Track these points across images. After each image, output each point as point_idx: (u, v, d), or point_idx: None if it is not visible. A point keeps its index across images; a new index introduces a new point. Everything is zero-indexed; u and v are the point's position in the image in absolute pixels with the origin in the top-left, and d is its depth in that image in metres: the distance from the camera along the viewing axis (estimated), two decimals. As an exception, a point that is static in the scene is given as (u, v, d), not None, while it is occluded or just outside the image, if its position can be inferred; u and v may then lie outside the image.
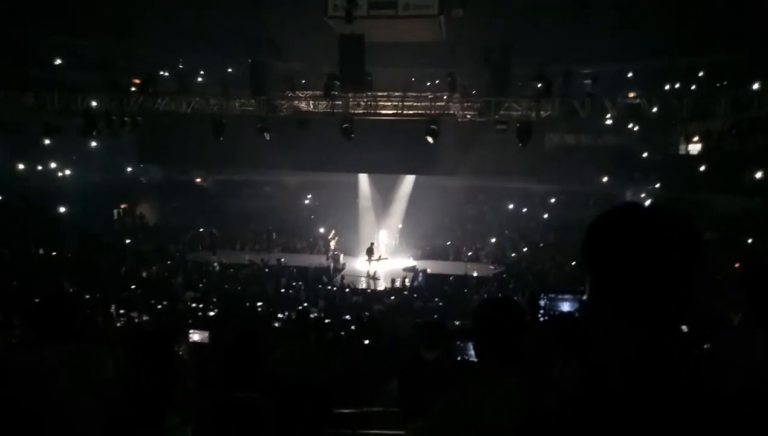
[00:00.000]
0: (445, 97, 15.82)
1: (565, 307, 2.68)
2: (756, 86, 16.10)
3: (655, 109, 14.78)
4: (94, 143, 21.53)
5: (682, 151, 20.61)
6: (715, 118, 15.39)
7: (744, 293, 2.21)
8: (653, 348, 1.01)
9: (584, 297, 1.14)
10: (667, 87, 19.22)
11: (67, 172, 23.38)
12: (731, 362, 1.99)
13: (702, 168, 19.43)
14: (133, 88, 17.16)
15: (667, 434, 0.95)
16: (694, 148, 18.87)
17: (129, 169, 25.14)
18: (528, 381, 1.80)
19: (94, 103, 16.67)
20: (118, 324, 8.51)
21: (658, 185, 21.71)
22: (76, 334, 2.83)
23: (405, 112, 16.01)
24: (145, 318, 9.84)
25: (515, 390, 1.81)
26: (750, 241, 17.53)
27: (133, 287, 15.90)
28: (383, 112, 16.10)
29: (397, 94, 16.17)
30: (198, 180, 28.00)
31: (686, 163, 20.17)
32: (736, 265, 13.97)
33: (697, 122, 17.24)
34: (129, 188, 25.53)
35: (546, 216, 25.39)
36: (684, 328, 1.07)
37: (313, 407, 2.86)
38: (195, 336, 5.51)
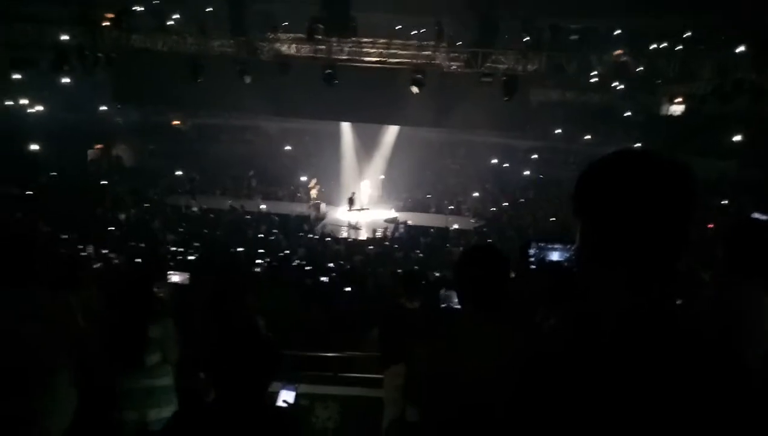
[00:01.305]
0: (431, 46, 15.49)
1: (555, 256, 2.71)
2: (740, 49, 16.09)
3: (640, 69, 14.73)
4: (66, 80, 20.69)
5: (664, 112, 20.67)
6: (698, 81, 15.42)
7: (725, 247, 2.26)
8: (645, 294, 1.01)
9: (574, 246, 1.14)
10: (653, 46, 19.09)
11: (39, 108, 22.53)
12: (718, 312, 2.06)
13: (682, 129, 19.59)
14: (106, 23, 16.39)
15: (659, 380, 0.95)
16: (677, 109, 18.92)
17: (104, 108, 24.33)
18: (513, 328, 1.83)
19: (65, 37, 15.92)
20: (96, 266, 8.44)
21: (639, 145, 21.88)
22: (42, 277, 2.72)
23: (390, 60, 15.65)
24: (123, 260, 9.77)
25: (498, 337, 1.84)
26: (724, 202, 17.95)
27: (111, 229, 15.70)
28: (367, 59, 15.71)
29: (382, 41, 15.75)
30: (176, 122, 27.28)
31: (668, 123, 20.28)
32: (710, 225, 14.35)
33: (681, 83, 17.26)
34: (104, 128, 24.80)
35: (527, 172, 25.54)
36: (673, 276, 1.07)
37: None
38: (175, 278, 5.49)
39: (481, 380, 1.68)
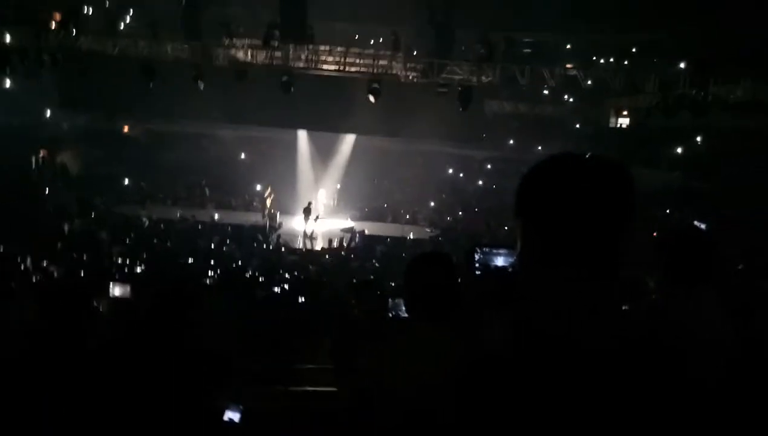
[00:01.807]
0: (388, 55, 15.59)
1: (500, 261, 2.72)
2: (683, 65, 16.90)
3: (589, 82, 15.25)
4: (9, 82, 19.80)
5: (611, 124, 21.50)
6: (643, 94, 16.09)
7: (663, 255, 2.31)
8: (585, 298, 1.00)
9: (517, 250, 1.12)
10: (602, 61, 19.83)
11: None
12: (664, 319, 2.09)
13: (629, 141, 20.38)
14: (53, 24, 15.77)
15: (598, 385, 0.94)
16: (623, 121, 19.69)
17: (49, 113, 23.35)
18: (459, 335, 1.80)
19: (8, 38, 15.22)
20: (34, 278, 8.02)
21: (573, 152, 22.61)
22: None
23: (347, 69, 15.67)
24: (63, 273, 9.32)
25: (444, 344, 1.81)
26: (667, 211, 18.71)
27: (52, 239, 14.99)
28: (325, 67, 15.68)
29: (339, 49, 15.75)
30: (126, 129, 26.45)
31: (615, 135, 21.07)
32: (654, 233, 14.91)
33: (627, 97, 17.98)
34: (49, 134, 23.76)
35: (481, 182, 25.97)
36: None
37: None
38: (116, 290, 5.24)
39: (425, 388, 1.65)
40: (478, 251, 2.75)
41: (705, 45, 15.87)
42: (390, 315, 3.50)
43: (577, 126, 23.70)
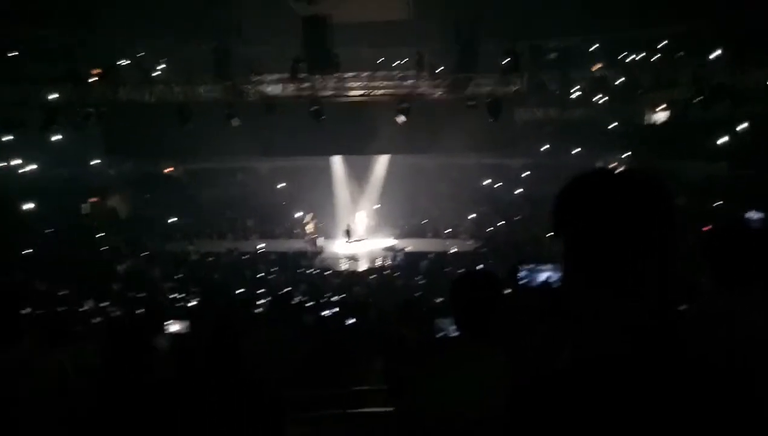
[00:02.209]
0: (413, 75, 15.74)
1: (543, 277, 2.71)
2: (716, 54, 16.39)
3: (620, 81, 14.98)
4: (58, 136, 20.87)
5: (647, 121, 20.94)
6: (678, 87, 15.66)
7: (710, 255, 2.21)
8: (632, 316, 1.01)
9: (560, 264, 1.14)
10: (630, 58, 19.45)
11: (32, 167, 22.62)
12: (708, 327, 1.98)
13: (667, 136, 19.80)
14: (93, 78, 16.64)
15: (652, 402, 0.95)
16: (660, 116, 19.17)
17: (96, 161, 24.46)
18: (506, 353, 1.83)
19: (54, 95, 16.12)
20: (95, 320, 8.37)
21: (625, 155, 22.07)
22: (35, 334, 2.72)
23: (374, 92, 15.90)
24: (122, 312, 9.69)
25: (493, 362, 1.84)
26: (716, 205, 18.02)
27: (109, 281, 15.62)
28: (352, 93, 15.95)
29: (365, 74, 16.02)
30: (168, 170, 27.43)
31: (652, 132, 20.51)
32: (705, 228, 14.39)
33: (662, 91, 17.52)
34: (98, 182, 24.89)
35: (520, 190, 25.65)
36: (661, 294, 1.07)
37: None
38: (174, 327, 5.45)
39: (478, 407, 1.69)
40: (523, 268, 2.75)
41: (739, 30, 15.36)
42: (440, 334, 3.52)
43: (612, 126, 23.20)
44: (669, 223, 1.03)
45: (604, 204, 1.03)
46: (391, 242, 21.38)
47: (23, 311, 2.58)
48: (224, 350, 2.89)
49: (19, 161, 22.10)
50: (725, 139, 18.16)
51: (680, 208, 1.09)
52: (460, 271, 13.69)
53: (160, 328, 5.33)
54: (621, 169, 1.10)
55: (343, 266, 19.44)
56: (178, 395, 2.86)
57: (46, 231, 20.86)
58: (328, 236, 22.23)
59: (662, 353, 0.99)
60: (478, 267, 14.88)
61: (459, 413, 1.79)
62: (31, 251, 18.68)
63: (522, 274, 2.77)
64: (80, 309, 10.16)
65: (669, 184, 1.07)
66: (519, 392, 1.09)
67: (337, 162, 24.43)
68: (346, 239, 20.71)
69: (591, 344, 1.04)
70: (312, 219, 21.94)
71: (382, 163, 24.44)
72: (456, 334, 2.09)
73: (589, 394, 0.98)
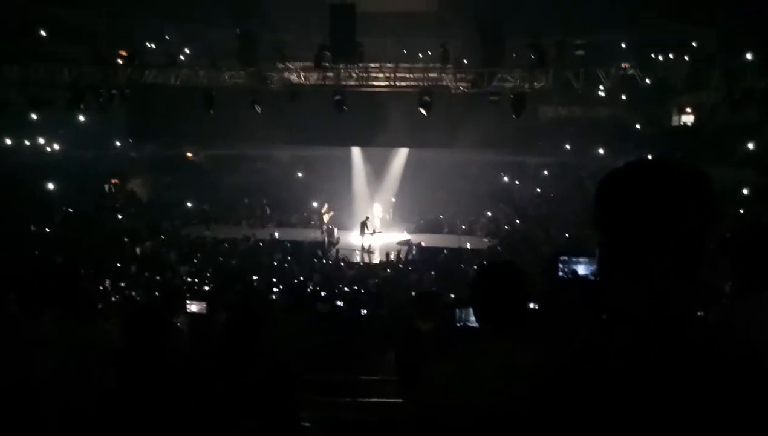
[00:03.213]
0: (438, 68, 15.64)
1: (581, 269, 2.67)
2: (749, 57, 16.03)
3: (648, 81, 14.73)
4: (81, 118, 21.20)
5: (675, 123, 20.59)
6: (707, 90, 15.35)
7: (733, 259, 2.20)
8: (666, 306, 1.00)
9: (597, 258, 1.12)
10: (660, 58, 19.13)
11: (56, 147, 23.04)
12: (731, 330, 1.98)
13: (694, 139, 19.47)
14: (120, 61, 16.84)
15: (680, 396, 0.94)
16: (687, 119, 18.82)
17: (118, 144, 24.82)
18: (532, 346, 1.80)
19: (81, 76, 16.36)
20: (114, 299, 8.51)
21: (650, 157, 21.74)
22: (69, 306, 2.78)
23: (397, 83, 15.84)
24: (140, 293, 9.84)
25: (514, 356, 1.81)
26: (741, 211, 17.68)
27: (126, 262, 15.86)
28: (375, 83, 15.91)
29: (389, 65, 15.96)
30: (189, 155, 27.72)
31: (679, 134, 20.17)
32: (727, 235, 14.13)
33: (690, 94, 17.19)
34: (119, 164, 25.25)
35: (539, 189, 25.43)
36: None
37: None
38: (192, 307, 5.51)
39: (499, 399, 1.66)
40: (561, 258, 2.72)
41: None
42: (458, 326, 3.50)
43: (637, 126, 22.85)
44: (711, 212, 1.00)
45: (646, 196, 1.01)
46: (406, 236, 21.36)
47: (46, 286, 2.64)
48: (243, 329, 2.91)
49: (42, 141, 22.57)
50: (751, 145, 17.83)
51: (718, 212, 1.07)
52: (473, 268, 13.58)
53: (181, 307, 5.39)
54: (664, 160, 1.06)
55: (358, 257, 19.48)
56: (198, 373, 2.88)
57: (68, 210, 21.21)
58: (344, 227, 22.28)
59: (687, 352, 0.97)
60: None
61: (476, 405, 1.77)
62: (50, 230, 19.05)
63: (561, 266, 2.73)
64: (99, 287, 10.34)
65: (710, 176, 1.03)
66: (551, 384, 1.08)
67: (356, 153, 24.44)
68: (362, 231, 20.73)
69: (621, 339, 1.02)
70: (329, 209, 22.00)
71: (400, 156, 24.39)
72: (475, 325, 2.06)
73: (613, 387, 0.97)
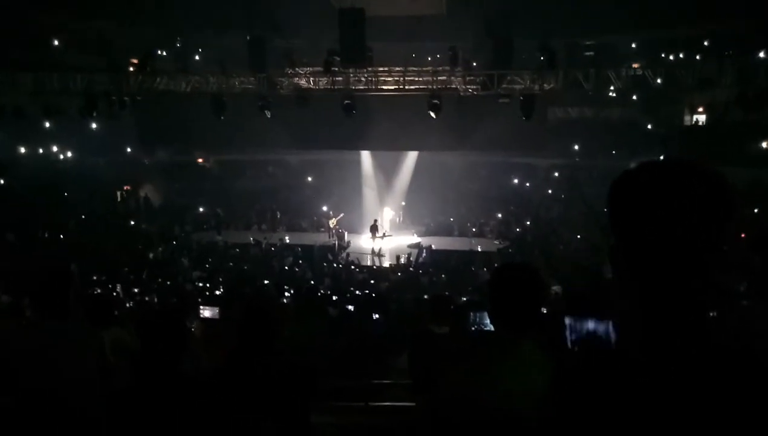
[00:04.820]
0: (446, 71, 15.64)
1: (590, 327, 2.58)
2: (762, 55, 15.87)
3: (659, 81, 14.60)
4: (94, 125, 21.45)
5: (687, 123, 20.41)
6: (719, 89, 15.20)
7: (759, 257, 2.18)
8: (678, 308, 0.99)
9: (610, 254, 1.11)
10: (671, 57, 18.98)
11: (69, 154, 23.32)
12: (756, 324, 1.97)
13: (707, 139, 19.28)
14: (131, 68, 17.01)
15: (690, 399, 0.94)
16: (700, 118, 18.65)
17: (130, 150, 25.07)
18: (547, 348, 1.79)
19: (93, 84, 16.54)
20: (128, 304, 8.57)
21: (662, 157, 21.55)
22: (80, 313, 2.82)
23: (406, 87, 15.84)
24: (153, 298, 9.90)
25: (532, 358, 1.80)
26: (756, 211, 17.48)
27: (139, 267, 15.98)
28: (384, 87, 15.93)
29: (398, 69, 15.97)
30: (200, 160, 27.93)
31: (691, 134, 19.99)
32: (743, 235, 13.97)
33: (702, 93, 17.03)
34: (131, 170, 25.50)
35: (550, 191, 25.31)
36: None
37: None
38: (205, 312, 5.55)
39: (515, 400, 1.65)
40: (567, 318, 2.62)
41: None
42: (473, 329, 3.48)
43: (649, 126, 22.68)
44: (728, 216, 0.98)
45: (660, 198, 0.99)
46: (416, 239, 21.34)
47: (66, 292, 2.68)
48: (258, 331, 2.92)
49: (56, 148, 22.86)
50: (765, 144, 17.62)
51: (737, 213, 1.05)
52: (484, 270, 13.49)
53: (195, 312, 5.42)
54: (678, 160, 1.04)
55: (369, 261, 19.48)
56: (213, 376, 2.90)
57: (82, 216, 21.44)
58: (355, 230, 22.30)
59: (703, 354, 0.97)
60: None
61: (493, 408, 1.76)
62: (64, 236, 19.25)
63: (568, 322, 2.68)
64: (113, 293, 10.42)
65: (727, 178, 1.01)
66: (568, 387, 1.08)
67: (365, 157, 24.48)
68: (373, 235, 20.74)
69: (636, 342, 1.02)
70: (337, 214, 22.05)
71: (410, 159, 24.39)
72: (490, 328, 2.05)
73: (622, 391, 0.98)
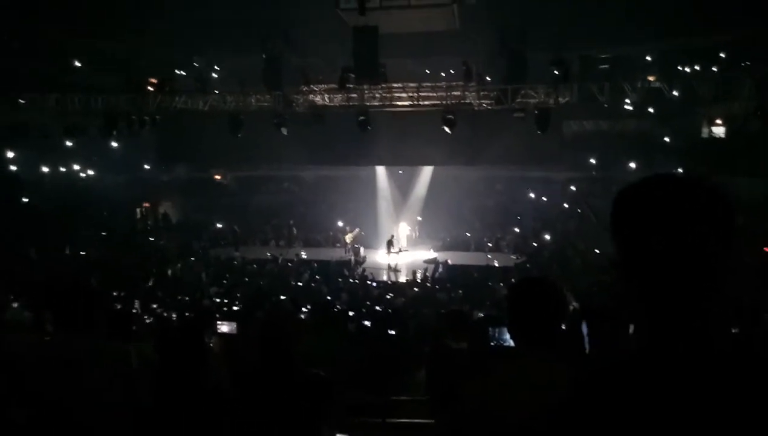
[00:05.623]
0: (460, 86, 15.71)
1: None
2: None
3: (675, 93, 14.51)
4: (114, 144, 21.87)
5: (704, 135, 20.19)
6: (738, 100, 15.05)
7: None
8: (681, 321, 0.99)
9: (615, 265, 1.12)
10: (687, 69, 18.84)
11: (90, 172, 23.76)
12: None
13: (725, 151, 19.02)
14: (150, 88, 17.37)
15: (718, 416, 0.93)
16: (717, 131, 18.44)
17: (149, 167, 25.47)
18: (567, 364, 1.78)
19: (114, 104, 16.93)
20: (147, 320, 8.66)
21: (680, 170, 21.30)
22: (102, 327, 2.86)
23: (421, 102, 15.94)
24: (171, 314, 9.99)
25: (554, 373, 1.79)
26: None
27: (157, 284, 16.14)
28: (399, 103, 16.05)
29: (412, 84, 16.10)
30: (217, 177, 28.27)
31: (708, 146, 19.76)
32: (766, 248, 13.71)
33: (720, 104, 16.85)
34: (150, 187, 25.88)
35: (566, 204, 25.12)
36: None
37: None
38: (223, 327, 5.59)
39: (536, 417, 1.64)
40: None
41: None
42: (492, 344, 3.46)
43: (666, 139, 22.46)
44: (730, 229, 0.99)
45: (661, 211, 1.00)
46: (432, 254, 21.29)
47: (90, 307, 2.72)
48: (277, 346, 2.95)
49: (77, 167, 23.31)
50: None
51: (738, 228, 1.06)
52: (501, 285, 13.36)
53: (212, 328, 5.46)
54: (681, 175, 1.06)
55: (385, 276, 19.46)
56: (232, 392, 2.92)
57: (102, 233, 21.77)
58: (370, 246, 22.32)
59: (724, 369, 0.96)
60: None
61: (514, 425, 1.75)
62: (85, 252, 19.54)
63: (585, 331, 2.64)
64: (133, 309, 10.54)
65: (730, 194, 1.02)
66: (566, 402, 1.10)
67: (381, 172, 24.58)
68: (389, 250, 20.74)
69: (647, 349, 1.03)
70: (354, 229, 22.10)
71: (425, 174, 24.43)
72: (510, 344, 2.04)
73: (652, 409, 0.97)
